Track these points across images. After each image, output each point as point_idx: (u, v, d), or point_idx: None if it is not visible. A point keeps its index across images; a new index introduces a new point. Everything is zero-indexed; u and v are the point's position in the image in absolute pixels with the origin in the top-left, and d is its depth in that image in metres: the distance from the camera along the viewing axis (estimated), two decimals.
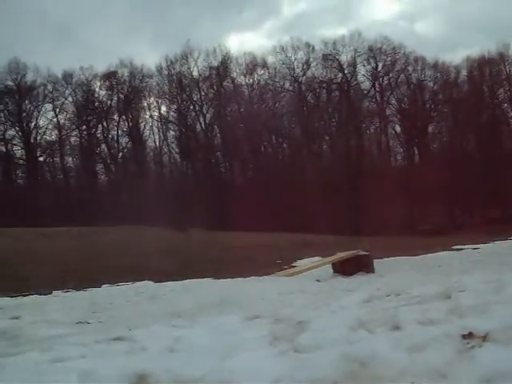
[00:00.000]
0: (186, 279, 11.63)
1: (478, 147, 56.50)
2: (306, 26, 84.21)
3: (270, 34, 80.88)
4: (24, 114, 55.39)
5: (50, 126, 56.91)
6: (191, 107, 59.25)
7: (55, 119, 56.67)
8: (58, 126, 56.80)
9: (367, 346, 3.21)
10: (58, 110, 56.57)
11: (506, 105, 58.13)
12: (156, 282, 11.63)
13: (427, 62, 59.42)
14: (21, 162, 56.45)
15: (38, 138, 56.47)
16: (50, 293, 10.83)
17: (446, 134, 60.99)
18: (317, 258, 15.44)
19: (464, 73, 58.90)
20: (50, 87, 55.79)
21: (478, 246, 19.39)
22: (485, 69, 56.89)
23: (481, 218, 49.46)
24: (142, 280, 12.07)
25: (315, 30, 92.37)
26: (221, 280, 10.97)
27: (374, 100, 61.03)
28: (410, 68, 59.92)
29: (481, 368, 2.77)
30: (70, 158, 59.45)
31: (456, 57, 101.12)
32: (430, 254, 18.07)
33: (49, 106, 56.37)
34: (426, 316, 3.74)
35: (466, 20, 78.35)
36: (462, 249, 18.75)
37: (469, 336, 3.05)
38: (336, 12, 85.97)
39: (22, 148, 55.81)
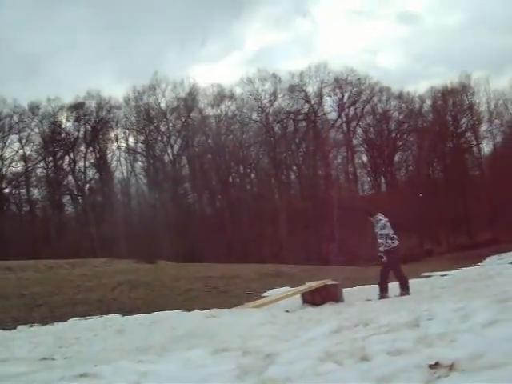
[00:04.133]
0: (155, 312, 11.49)
1: (444, 175, 57.49)
2: (271, 57, 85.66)
3: (236, 66, 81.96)
4: None
5: (15, 158, 56.55)
6: (159, 138, 59.30)
7: (21, 150, 56.29)
8: (24, 158, 56.33)
9: (335, 378, 3.21)
10: (24, 141, 56.23)
11: (469, 133, 59.31)
12: (124, 315, 11.46)
13: (392, 92, 60.72)
14: None
15: (4, 169, 55.99)
16: (15, 328, 10.60)
17: (411, 163, 61.91)
18: (286, 289, 15.40)
19: (428, 103, 60.20)
20: (16, 118, 55.51)
21: (446, 272, 19.54)
22: (448, 99, 58.20)
23: (449, 245, 50.10)
24: (109, 313, 11.90)
25: (281, 61, 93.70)
26: (190, 312, 10.86)
27: (340, 130, 61.90)
28: (376, 98, 61.12)
29: None
30: (36, 190, 58.85)
31: (418, 88, 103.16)
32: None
33: (15, 137, 56.06)
34: (394, 346, 3.75)
35: (427, 53, 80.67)
36: (430, 276, 18.88)
37: (436, 366, 3.06)
38: (301, 45, 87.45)
39: None
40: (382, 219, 12.06)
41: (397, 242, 12.11)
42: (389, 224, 12.06)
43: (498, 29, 79.96)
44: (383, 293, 11.87)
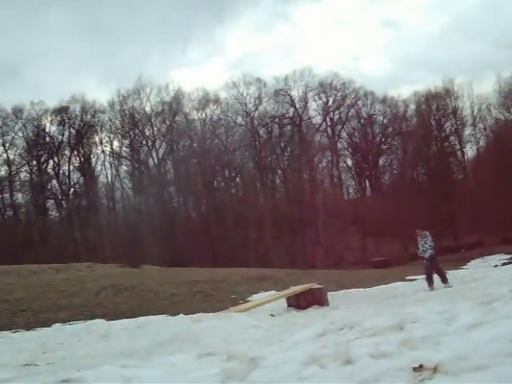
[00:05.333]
0: (140, 317, 11.44)
1: (428, 179, 57.72)
2: (256, 62, 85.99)
3: (221, 70, 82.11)
4: None
5: None
6: (144, 142, 59.07)
7: (4, 154, 55.79)
8: (8, 162, 55.83)
9: (319, 382, 3.20)
10: (7, 145, 55.78)
11: (453, 137, 59.61)
12: (108, 320, 11.39)
13: (376, 96, 60.99)
14: None
15: None
16: None
17: (396, 166, 62.11)
18: (271, 293, 15.40)
19: (412, 107, 60.46)
20: None
21: None
22: (432, 103, 58.49)
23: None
24: (93, 318, 11.83)
25: (266, 66, 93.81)
26: (174, 317, 10.81)
27: (325, 134, 61.93)
28: (360, 103, 61.37)
29: None
30: (20, 194, 58.35)
31: (402, 92, 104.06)
32: (384, 286, 18.25)
33: None
34: (378, 349, 3.74)
35: (410, 59, 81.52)
36: (415, 279, 18.97)
37: (419, 368, 3.05)
38: (286, 50, 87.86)
39: None
40: (429, 235, 15.73)
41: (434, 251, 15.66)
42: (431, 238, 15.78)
43: (477, 36, 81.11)
44: (431, 285, 15.05)
